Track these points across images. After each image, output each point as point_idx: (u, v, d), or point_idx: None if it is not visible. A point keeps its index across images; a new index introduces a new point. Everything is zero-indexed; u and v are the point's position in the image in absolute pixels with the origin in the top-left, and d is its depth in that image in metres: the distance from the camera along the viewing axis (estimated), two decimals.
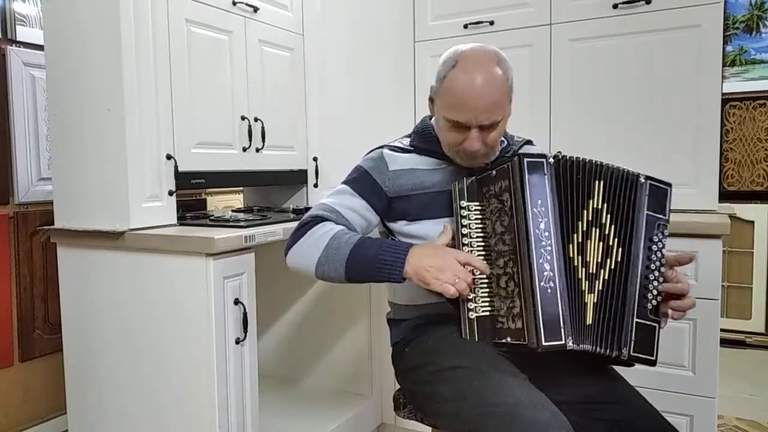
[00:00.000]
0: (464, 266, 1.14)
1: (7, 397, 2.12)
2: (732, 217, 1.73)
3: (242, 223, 1.74)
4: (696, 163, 1.76)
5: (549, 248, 1.09)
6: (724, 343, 3.03)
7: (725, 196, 3.15)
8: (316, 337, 2.43)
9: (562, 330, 1.07)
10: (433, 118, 1.41)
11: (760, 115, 3.21)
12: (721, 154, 3.13)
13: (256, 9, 2.09)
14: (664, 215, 1.19)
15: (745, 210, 3.21)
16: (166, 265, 1.61)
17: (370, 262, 1.17)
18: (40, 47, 2.04)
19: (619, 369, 1.27)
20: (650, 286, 1.15)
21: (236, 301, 1.62)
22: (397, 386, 1.39)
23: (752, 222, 3.22)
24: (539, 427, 0.97)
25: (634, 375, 1.57)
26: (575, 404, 1.15)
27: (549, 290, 1.08)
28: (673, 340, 1.66)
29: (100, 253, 1.72)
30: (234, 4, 1.99)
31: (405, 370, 1.31)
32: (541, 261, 1.09)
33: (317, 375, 2.44)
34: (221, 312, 1.57)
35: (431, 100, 1.33)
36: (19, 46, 2.11)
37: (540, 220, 1.10)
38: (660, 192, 1.19)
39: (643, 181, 1.17)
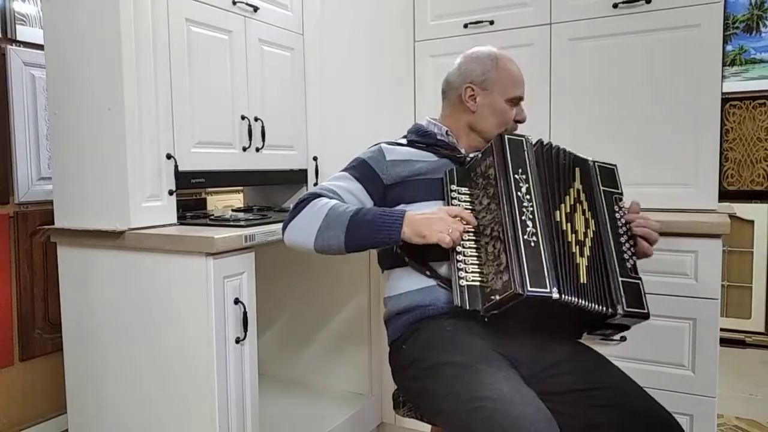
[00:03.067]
0: (455, 218, 1.24)
1: (7, 396, 2.12)
2: (732, 216, 1.73)
3: (242, 223, 1.74)
4: (696, 163, 1.76)
5: (531, 209, 1.19)
6: (724, 342, 3.03)
7: (725, 195, 3.14)
8: (316, 337, 2.43)
9: (547, 279, 1.13)
10: (425, 122, 1.50)
11: (759, 115, 3.22)
12: (721, 153, 3.13)
13: (256, 9, 2.09)
14: (618, 189, 1.34)
15: (744, 209, 3.21)
16: (166, 265, 1.61)
17: (369, 225, 1.24)
18: (40, 47, 2.04)
19: (619, 365, 1.27)
20: (624, 248, 1.27)
21: (236, 301, 1.62)
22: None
23: (752, 221, 3.22)
24: (522, 422, 0.99)
25: (634, 374, 1.57)
26: (571, 392, 1.18)
27: (532, 243, 1.16)
28: (673, 340, 1.66)
29: (100, 253, 1.72)
30: (234, 3, 2.00)
31: (401, 368, 1.32)
32: (523, 218, 1.18)
33: (317, 374, 2.44)
34: (221, 311, 1.58)
35: (472, 95, 1.44)
36: (19, 46, 2.11)
37: (521, 184, 1.22)
38: (608, 171, 1.34)
39: (591, 163, 1.33)
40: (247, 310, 1.64)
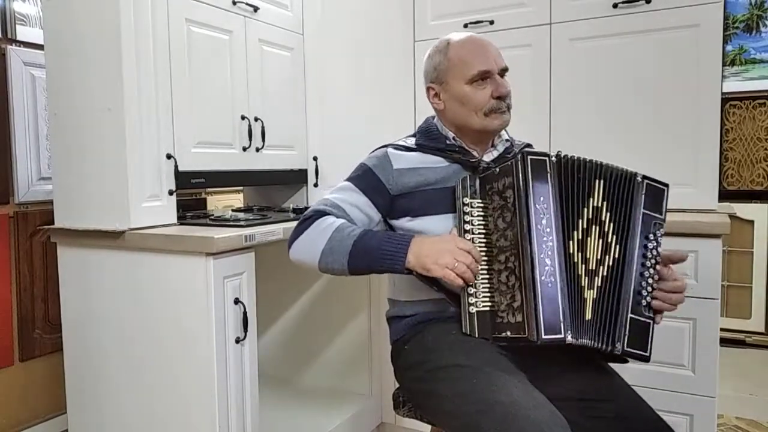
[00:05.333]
0: (465, 252, 1.16)
1: (7, 396, 2.12)
2: (732, 216, 1.73)
3: (242, 223, 1.74)
4: (696, 163, 1.76)
5: (550, 244, 1.12)
6: (724, 342, 3.03)
7: (725, 195, 3.14)
8: (316, 337, 2.43)
9: (562, 324, 1.08)
10: (435, 119, 1.42)
11: (759, 115, 3.22)
12: (721, 153, 3.13)
13: (256, 9, 2.09)
14: (661, 214, 1.21)
15: (744, 209, 3.21)
16: (166, 265, 1.61)
17: (373, 253, 1.19)
18: (40, 47, 2.04)
19: (617, 366, 1.27)
20: (644, 283, 1.17)
21: (236, 301, 1.62)
22: (397, 385, 1.39)
23: (752, 221, 3.22)
24: (537, 426, 0.97)
25: (634, 374, 1.57)
26: (572, 401, 1.17)
27: (549, 284, 1.10)
28: (673, 340, 1.66)
29: (100, 253, 1.72)
30: (234, 3, 2.00)
31: (404, 368, 1.31)
32: (542, 256, 1.11)
33: (317, 374, 2.44)
34: (221, 312, 1.58)
35: (435, 94, 1.37)
36: (19, 46, 2.11)
37: (542, 216, 1.13)
38: (657, 192, 1.21)
39: (640, 180, 1.19)
40: (247, 310, 1.64)
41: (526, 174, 1.14)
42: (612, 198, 1.18)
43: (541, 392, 1.08)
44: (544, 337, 1.07)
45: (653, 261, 1.18)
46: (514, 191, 1.15)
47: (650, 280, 1.18)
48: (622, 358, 1.20)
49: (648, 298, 1.17)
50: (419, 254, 1.17)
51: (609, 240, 1.16)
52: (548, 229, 1.12)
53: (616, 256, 1.16)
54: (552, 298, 1.09)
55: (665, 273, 1.20)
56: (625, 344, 1.13)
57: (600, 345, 1.13)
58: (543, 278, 1.10)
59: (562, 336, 1.08)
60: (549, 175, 1.15)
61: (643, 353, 1.15)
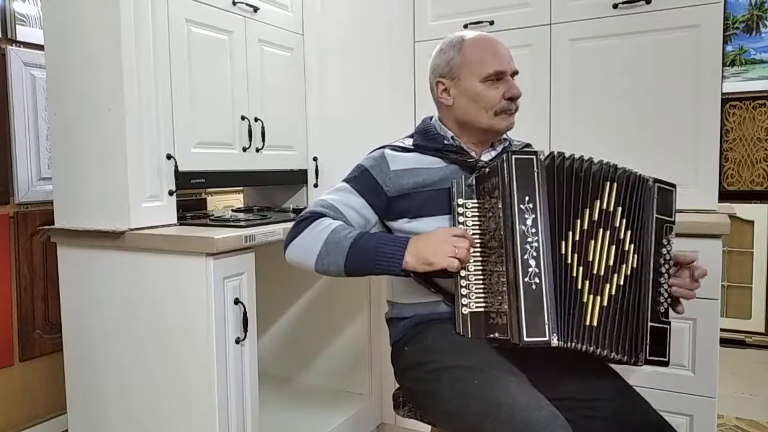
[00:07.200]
0: (460, 237, 1.17)
1: (7, 397, 2.12)
2: (732, 216, 1.73)
3: (242, 223, 1.74)
4: (696, 163, 1.76)
5: (536, 245, 1.09)
6: (724, 342, 3.03)
7: (725, 195, 3.14)
8: (315, 337, 2.43)
9: (547, 326, 1.06)
10: (433, 119, 1.42)
11: (759, 115, 3.21)
12: (721, 153, 3.13)
13: (256, 9, 2.09)
14: (671, 217, 1.19)
15: (744, 210, 3.20)
16: (167, 265, 1.61)
17: (370, 255, 1.19)
18: (40, 47, 2.04)
19: (617, 366, 1.27)
20: (661, 289, 1.16)
21: (236, 301, 1.62)
22: (397, 385, 1.39)
23: (752, 222, 3.22)
24: (538, 427, 0.97)
25: (634, 374, 1.57)
26: (571, 401, 1.17)
27: (534, 286, 1.08)
28: (673, 340, 1.64)
29: (100, 253, 1.72)
30: (234, 3, 2.00)
31: (404, 369, 1.31)
32: (526, 257, 1.08)
33: (317, 374, 2.44)
34: (221, 312, 1.58)
35: (444, 89, 1.36)
36: (19, 46, 2.11)
37: (527, 216, 1.10)
38: (666, 194, 1.19)
39: (651, 184, 1.17)
40: (247, 310, 1.64)
41: (511, 173, 1.11)
42: (628, 204, 1.15)
43: (543, 393, 1.08)
44: (525, 339, 1.05)
45: (667, 266, 1.17)
46: (499, 191, 1.14)
47: (665, 286, 1.17)
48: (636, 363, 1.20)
49: (665, 304, 1.17)
50: (417, 253, 1.16)
51: (626, 248, 1.14)
52: (534, 230, 1.09)
53: (635, 265, 1.14)
54: (536, 300, 1.07)
55: (682, 275, 1.21)
56: (647, 354, 1.13)
57: (622, 356, 1.12)
58: (526, 280, 1.08)
59: (547, 339, 1.06)
60: (536, 174, 1.12)
61: (663, 359, 1.15)
